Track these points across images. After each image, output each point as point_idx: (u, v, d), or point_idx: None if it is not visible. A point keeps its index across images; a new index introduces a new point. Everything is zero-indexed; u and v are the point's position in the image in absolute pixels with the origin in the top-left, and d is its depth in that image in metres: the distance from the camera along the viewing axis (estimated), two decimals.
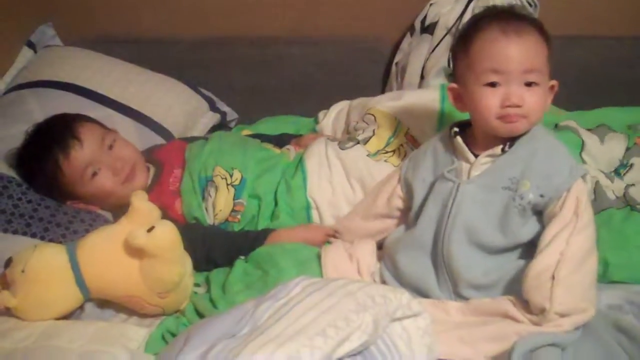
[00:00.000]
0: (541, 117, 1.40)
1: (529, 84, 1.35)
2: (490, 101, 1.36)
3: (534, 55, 1.34)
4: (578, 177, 1.38)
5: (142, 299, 1.46)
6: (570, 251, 1.32)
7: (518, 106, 1.34)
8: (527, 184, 1.37)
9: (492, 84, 1.35)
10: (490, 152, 1.41)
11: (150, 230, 1.40)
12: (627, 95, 1.99)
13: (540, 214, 1.40)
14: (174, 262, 1.45)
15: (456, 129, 1.47)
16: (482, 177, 1.42)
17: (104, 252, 1.45)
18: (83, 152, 1.69)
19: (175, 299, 1.50)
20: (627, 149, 1.73)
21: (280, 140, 1.98)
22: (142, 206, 1.47)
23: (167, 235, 1.43)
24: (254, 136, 2.02)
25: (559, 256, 1.32)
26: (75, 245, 1.46)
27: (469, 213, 1.41)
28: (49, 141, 1.71)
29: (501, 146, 1.40)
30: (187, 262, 1.51)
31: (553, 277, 1.30)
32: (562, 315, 1.29)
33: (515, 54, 1.33)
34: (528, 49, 1.34)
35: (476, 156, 1.43)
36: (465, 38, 1.40)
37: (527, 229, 1.40)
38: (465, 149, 1.44)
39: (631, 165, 1.70)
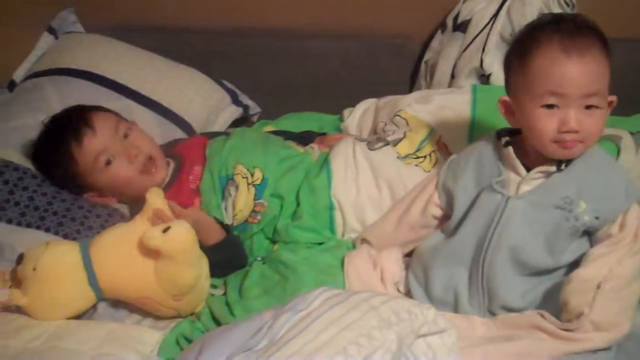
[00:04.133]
0: (598, 138, 1.33)
1: (588, 107, 1.27)
2: (547, 124, 1.28)
3: (595, 78, 1.26)
4: (635, 199, 1.32)
5: (156, 301, 1.42)
6: (620, 271, 1.27)
7: (576, 131, 1.27)
8: (583, 205, 1.31)
9: (550, 106, 1.28)
10: (544, 168, 1.34)
11: (166, 230, 1.36)
12: None
13: (588, 234, 1.34)
14: (189, 264, 1.41)
15: (507, 138, 1.40)
16: (533, 194, 1.34)
17: (118, 251, 1.41)
18: (96, 140, 1.66)
19: (191, 302, 1.46)
20: None
21: (304, 138, 1.93)
22: (158, 203, 1.43)
23: (184, 236, 1.38)
24: (277, 133, 1.96)
25: (606, 272, 1.27)
26: (89, 244, 1.42)
27: (515, 231, 1.34)
28: (62, 130, 1.69)
29: (557, 163, 1.33)
30: (204, 264, 1.47)
31: (598, 287, 1.26)
32: (596, 327, 1.25)
33: (576, 77, 1.25)
34: (590, 72, 1.26)
35: (527, 169, 1.36)
36: (524, 52, 1.31)
37: (572, 250, 1.34)
38: (517, 161, 1.36)
39: None
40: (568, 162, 1.33)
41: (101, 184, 1.69)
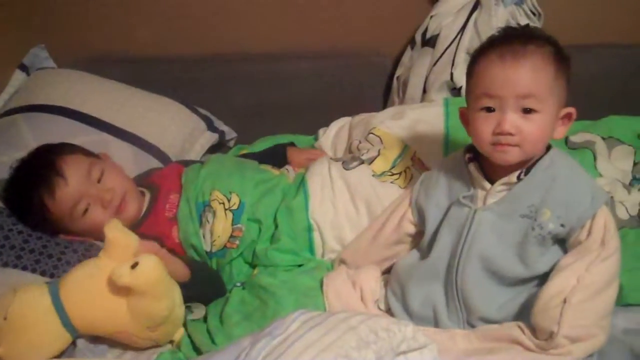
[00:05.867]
0: (541, 146, 1.32)
1: (527, 111, 1.27)
2: (483, 127, 1.29)
3: (531, 82, 1.26)
4: (601, 204, 1.31)
5: (132, 334, 1.41)
6: (588, 279, 1.27)
7: (510, 134, 1.27)
8: (548, 213, 1.31)
9: (487, 109, 1.29)
10: (505, 179, 1.34)
11: (134, 266, 1.34)
12: (636, 105, 1.93)
13: (562, 242, 1.34)
14: (161, 297, 1.39)
15: (470, 155, 1.40)
16: (499, 205, 1.35)
17: (88, 290, 1.38)
18: (68, 190, 1.62)
19: (166, 331, 1.45)
20: (635, 163, 1.67)
21: (274, 154, 1.94)
22: (117, 237, 1.39)
23: (152, 271, 1.36)
24: (247, 155, 1.96)
25: (575, 282, 1.27)
26: (58, 285, 1.39)
27: (484, 242, 1.35)
28: (32, 179, 1.64)
29: (517, 173, 1.33)
30: (176, 292, 1.45)
31: (565, 301, 1.25)
32: (572, 340, 1.25)
33: (508, 78, 1.26)
34: (524, 74, 1.26)
35: (492, 182, 1.36)
36: (471, 60, 1.35)
37: (546, 259, 1.34)
38: (480, 176, 1.37)
39: None
40: (528, 170, 1.33)
41: (77, 229, 1.66)
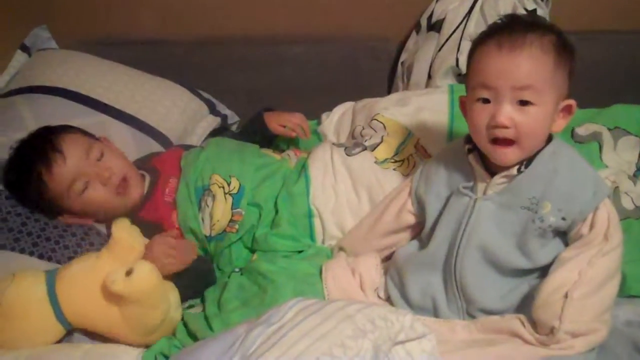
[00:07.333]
0: (540, 140, 1.28)
1: (523, 103, 1.23)
2: (479, 119, 1.26)
3: (528, 73, 1.21)
4: (604, 197, 1.28)
5: (125, 337, 1.39)
6: (590, 273, 1.24)
7: (505, 127, 1.23)
8: (548, 206, 1.28)
9: (483, 100, 1.25)
10: (505, 172, 1.31)
11: (129, 273, 1.32)
12: None
13: (563, 234, 1.32)
14: (155, 306, 1.38)
15: (469, 146, 1.36)
16: (500, 195, 1.32)
17: (84, 287, 1.37)
18: (66, 166, 1.61)
19: (160, 335, 1.43)
20: None
21: (253, 120, 1.93)
22: (123, 238, 1.38)
23: (146, 279, 1.34)
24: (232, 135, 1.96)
25: (576, 276, 1.24)
26: (55, 276, 1.38)
27: (484, 231, 1.32)
28: (30, 156, 1.63)
29: (517, 166, 1.29)
30: (172, 296, 1.44)
31: (566, 296, 1.23)
32: (574, 335, 1.23)
33: (504, 69, 1.22)
34: (522, 64, 1.21)
35: (492, 174, 1.33)
36: (470, 49, 1.31)
37: (547, 251, 1.31)
38: (480, 168, 1.34)
39: None
40: (529, 162, 1.29)
41: (77, 207, 1.65)
